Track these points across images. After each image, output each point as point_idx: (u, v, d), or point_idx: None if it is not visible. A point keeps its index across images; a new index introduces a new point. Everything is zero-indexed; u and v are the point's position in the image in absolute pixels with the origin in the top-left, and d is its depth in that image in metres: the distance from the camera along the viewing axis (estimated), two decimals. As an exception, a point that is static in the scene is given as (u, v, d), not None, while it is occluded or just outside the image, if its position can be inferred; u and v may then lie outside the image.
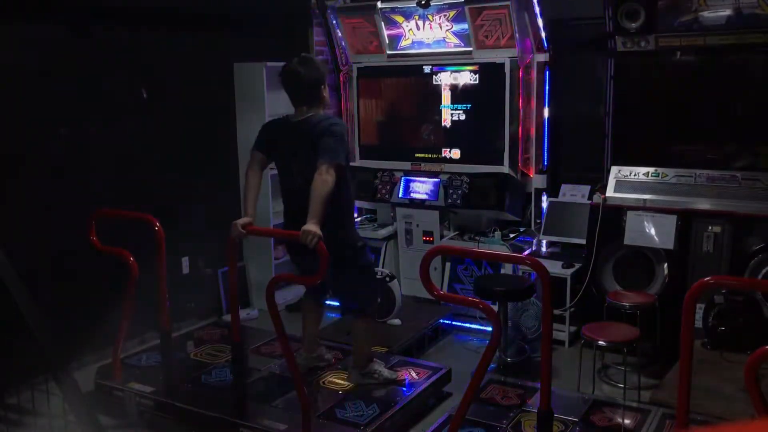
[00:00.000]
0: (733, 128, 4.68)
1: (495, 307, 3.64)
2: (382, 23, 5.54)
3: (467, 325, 5.17)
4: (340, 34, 5.80)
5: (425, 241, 5.51)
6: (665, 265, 4.59)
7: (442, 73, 5.44)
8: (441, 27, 5.33)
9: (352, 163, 5.80)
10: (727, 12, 4.27)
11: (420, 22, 5.41)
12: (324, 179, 3.32)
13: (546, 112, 5.22)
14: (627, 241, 4.59)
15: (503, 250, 4.99)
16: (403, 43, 5.58)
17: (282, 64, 3.68)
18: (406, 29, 5.50)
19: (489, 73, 5.23)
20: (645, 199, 4.59)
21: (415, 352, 4.73)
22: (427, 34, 5.43)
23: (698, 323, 4.23)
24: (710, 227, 4.41)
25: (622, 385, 3.91)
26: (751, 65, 4.62)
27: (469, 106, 5.37)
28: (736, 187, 4.41)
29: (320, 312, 4.19)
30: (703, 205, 4.45)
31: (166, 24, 4.85)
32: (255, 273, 5.61)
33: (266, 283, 3.33)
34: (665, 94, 4.85)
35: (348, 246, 3.70)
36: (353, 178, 5.66)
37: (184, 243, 4.85)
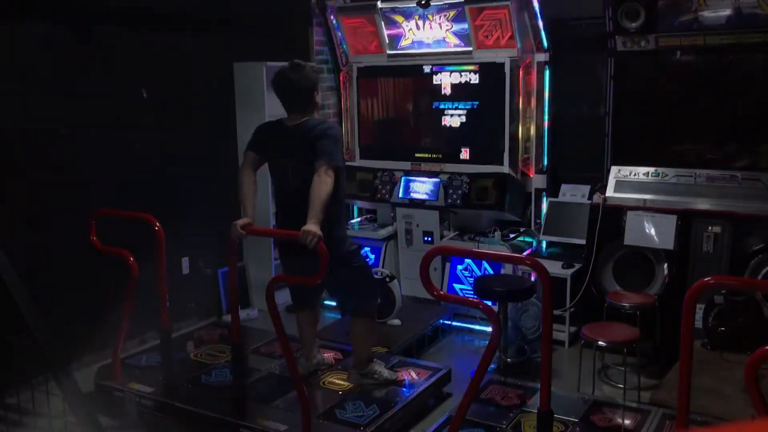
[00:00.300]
0: (733, 128, 4.68)
1: (495, 308, 3.64)
2: (382, 23, 5.54)
3: (467, 325, 5.17)
4: (340, 34, 5.80)
5: (425, 241, 5.51)
6: (665, 265, 4.59)
7: (442, 73, 5.44)
8: (441, 27, 5.33)
9: (352, 163, 5.83)
10: (727, 12, 4.27)
11: (420, 22, 5.41)
12: (323, 180, 3.34)
13: (546, 112, 5.21)
14: (627, 241, 4.59)
15: (503, 250, 4.99)
16: (403, 42, 5.58)
17: (282, 64, 3.69)
18: (406, 29, 5.50)
19: (489, 73, 5.23)
20: (645, 199, 4.59)
21: (415, 352, 4.73)
22: (427, 34, 5.43)
23: (698, 323, 4.24)
24: (710, 227, 4.41)
25: (622, 386, 3.91)
26: (751, 65, 4.62)
27: (469, 106, 5.37)
28: (736, 187, 4.41)
29: (315, 316, 4.15)
30: (703, 205, 4.45)
31: (166, 24, 4.84)
32: (255, 273, 5.61)
33: (266, 283, 3.33)
34: (665, 94, 4.85)
35: (344, 246, 3.71)
36: (354, 178, 5.71)
37: (184, 243, 4.85)
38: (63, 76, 4.25)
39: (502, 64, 5.13)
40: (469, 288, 5.22)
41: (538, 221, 5.26)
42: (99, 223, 3.91)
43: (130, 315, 3.97)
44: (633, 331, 3.87)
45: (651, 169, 4.70)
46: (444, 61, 5.43)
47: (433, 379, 4.03)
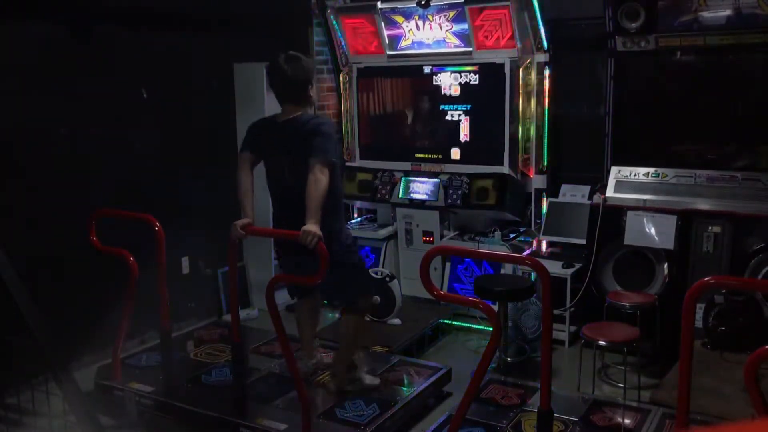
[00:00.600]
0: (733, 128, 4.68)
1: (495, 307, 3.64)
2: (382, 23, 5.54)
3: (467, 325, 5.17)
4: (340, 34, 5.80)
5: (425, 241, 5.51)
6: (665, 265, 4.59)
7: (442, 73, 5.44)
8: (441, 27, 5.33)
9: (352, 163, 5.83)
10: (727, 12, 4.27)
11: (420, 22, 5.40)
12: (318, 179, 3.32)
13: (546, 112, 5.21)
14: (627, 241, 4.59)
15: (503, 250, 4.99)
16: (403, 43, 5.58)
17: (275, 59, 3.66)
18: (406, 29, 5.50)
19: (489, 73, 5.23)
20: (645, 199, 4.59)
21: (415, 352, 4.73)
22: (427, 35, 5.43)
23: (698, 323, 4.24)
24: (710, 227, 4.41)
25: (622, 385, 3.91)
26: (751, 65, 4.62)
27: (469, 106, 5.37)
28: (736, 187, 4.41)
29: (316, 316, 4.11)
30: (703, 205, 4.45)
31: (166, 24, 4.84)
32: (255, 273, 5.61)
33: (266, 283, 3.33)
34: (665, 94, 4.85)
35: (341, 241, 3.67)
36: (354, 178, 5.71)
37: (184, 243, 4.85)
38: (63, 76, 4.25)
39: (502, 65, 5.13)
40: (469, 288, 5.22)
41: (538, 221, 5.25)
42: (99, 223, 3.91)
43: (130, 315, 3.97)
44: (633, 331, 3.87)
45: (651, 170, 4.70)
46: (444, 61, 5.43)
47: (433, 378, 4.03)
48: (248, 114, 5.34)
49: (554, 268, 4.70)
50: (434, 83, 5.48)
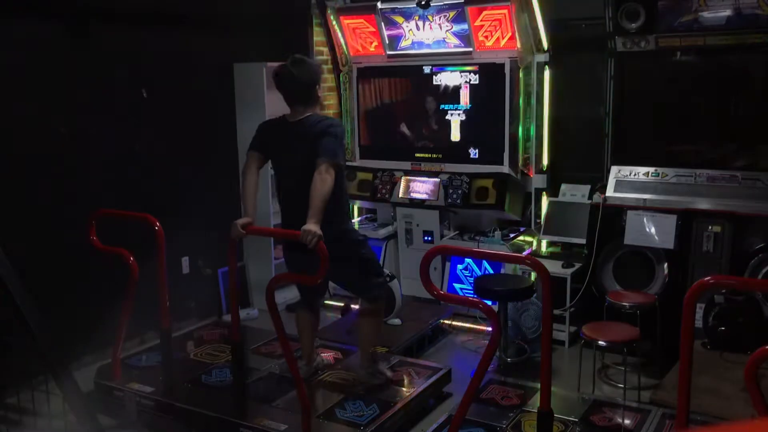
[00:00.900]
0: (733, 128, 4.68)
1: (495, 307, 3.64)
2: (382, 23, 5.54)
3: (467, 325, 5.17)
4: (340, 34, 5.80)
5: (425, 241, 5.51)
6: (665, 265, 4.59)
7: (442, 74, 5.44)
8: (441, 27, 5.33)
9: (352, 163, 5.83)
10: (727, 12, 4.27)
11: (420, 23, 5.40)
12: (324, 178, 3.34)
13: (546, 112, 5.21)
14: (627, 241, 4.59)
15: (503, 250, 4.99)
16: (403, 43, 5.58)
17: (282, 64, 3.69)
18: (406, 29, 5.50)
19: (489, 73, 5.23)
20: (645, 199, 4.59)
21: (415, 352, 4.73)
22: (427, 35, 5.43)
23: (698, 323, 4.24)
24: (710, 227, 4.41)
25: (622, 385, 3.91)
26: (751, 65, 4.62)
27: (469, 106, 5.37)
28: (736, 187, 4.41)
29: (316, 321, 4.11)
30: (703, 205, 4.45)
31: (166, 24, 4.84)
32: (255, 273, 5.61)
33: (266, 283, 3.33)
34: (665, 94, 4.85)
35: (355, 237, 3.76)
36: (354, 178, 5.71)
37: (184, 243, 4.85)
38: (63, 76, 4.25)
39: (502, 65, 5.13)
40: (469, 288, 5.22)
41: (538, 221, 5.26)
42: (99, 223, 3.91)
43: (130, 315, 3.96)
44: (633, 331, 3.87)
45: (651, 169, 4.70)
46: (444, 61, 5.43)
47: (433, 379, 4.02)
48: (248, 114, 5.35)
49: (554, 268, 4.70)
50: (434, 83, 5.48)
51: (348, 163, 5.77)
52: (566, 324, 4.78)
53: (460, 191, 5.31)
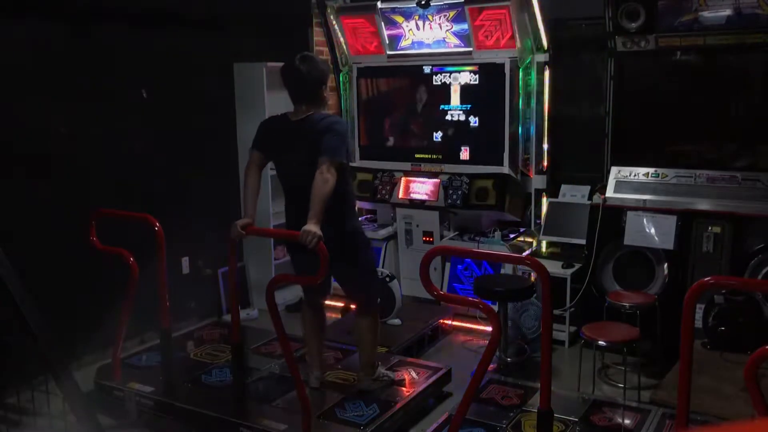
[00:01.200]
0: (733, 128, 4.68)
1: (495, 307, 3.64)
2: (382, 23, 5.54)
3: (467, 325, 5.17)
4: (340, 34, 5.80)
5: (425, 242, 5.51)
6: (665, 265, 4.59)
7: (442, 73, 5.44)
8: (441, 27, 5.33)
9: (352, 164, 5.81)
10: (727, 12, 4.27)
11: (420, 22, 5.40)
12: (325, 178, 3.30)
13: (546, 112, 5.21)
14: (627, 241, 4.59)
15: (503, 250, 4.99)
16: (403, 43, 5.58)
17: (282, 64, 3.67)
18: (406, 29, 5.50)
19: (489, 73, 5.23)
20: (645, 200, 4.59)
21: (415, 352, 4.73)
22: (427, 35, 5.43)
23: (698, 323, 4.24)
24: (710, 227, 4.41)
25: (622, 385, 3.91)
26: (751, 65, 4.62)
27: (469, 106, 5.37)
28: (736, 187, 4.41)
29: (323, 323, 4.04)
30: (703, 205, 4.45)
31: (166, 24, 4.84)
32: (255, 273, 5.61)
33: (266, 283, 3.33)
34: (665, 94, 4.85)
35: (362, 239, 3.72)
36: (354, 178, 5.71)
37: (184, 243, 4.85)
38: (63, 76, 4.26)
39: (502, 65, 5.13)
40: (469, 288, 5.22)
41: (538, 221, 5.26)
42: (99, 223, 3.91)
43: (130, 315, 3.96)
44: (633, 331, 3.87)
45: (651, 170, 4.70)
46: (444, 61, 5.43)
47: (433, 378, 4.02)
48: (248, 114, 5.35)
49: (554, 268, 4.71)
50: (434, 83, 5.48)
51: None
52: (566, 324, 4.78)
53: (459, 192, 5.31)
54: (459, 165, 5.42)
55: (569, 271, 4.76)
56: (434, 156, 5.56)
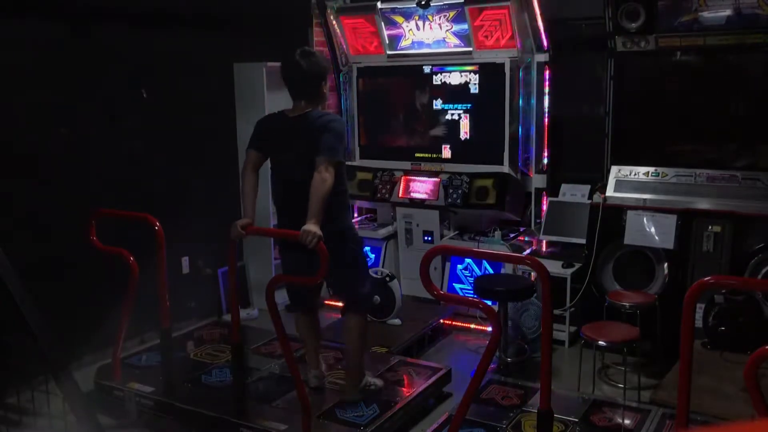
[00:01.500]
0: (733, 128, 4.68)
1: (495, 307, 3.64)
2: (382, 23, 5.54)
3: (467, 325, 5.17)
4: (340, 34, 5.80)
5: (425, 241, 5.51)
6: (665, 265, 4.59)
7: (442, 73, 5.44)
8: (441, 27, 5.33)
9: (352, 163, 5.83)
10: (727, 12, 4.27)
11: (420, 23, 5.40)
12: (323, 177, 3.29)
13: (546, 112, 5.21)
14: (627, 240, 4.59)
15: (503, 250, 4.99)
16: (403, 43, 5.58)
17: (290, 54, 3.62)
18: (406, 29, 5.50)
19: (489, 73, 5.23)
20: (645, 199, 4.59)
21: (416, 352, 4.73)
22: (427, 35, 5.43)
23: (698, 323, 4.24)
24: (710, 227, 4.41)
25: (622, 385, 3.91)
26: (751, 65, 4.62)
27: (469, 106, 5.37)
28: (736, 187, 4.41)
29: (318, 330, 4.00)
30: (703, 204, 4.45)
31: (166, 24, 4.84)
32: (255, 273, 5.61)
33: (266, 283, 3.33)
34: (665, 94, 4.85)
35: (354, 239, 3.69)
36: (354, 178, 5.71)
37: (184, 243, 4.85)
38: (63, 76, 4.25)
39: (502, 65, 5.13)
40: (469, 288, 5.22)
41: (538, 221, 5.26)
42: (99, 223, 3.91)
43: (130, 315, 3.96)
44: (633, 331, 3.87)
45: (651, 169, 4.70)
46: (444, 61, 5.43)
47: (433, 379, 4.02)
48: (248, 114, 5.35)
49: (554, 268, 4.70)
50: (434, 83, 5.48)
51: (348, 163, 5.75)
52: (566, 324, 4.78)
53: (460, 191, 5.31)
54: (459, 164, 5.42)
55: (569, 271, 4.76)
56: (434, 155, 5.56)
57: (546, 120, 5.23)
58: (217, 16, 5.17)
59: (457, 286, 5.42)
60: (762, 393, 2.34)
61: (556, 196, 5.16)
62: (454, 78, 5.38)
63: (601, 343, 3.79)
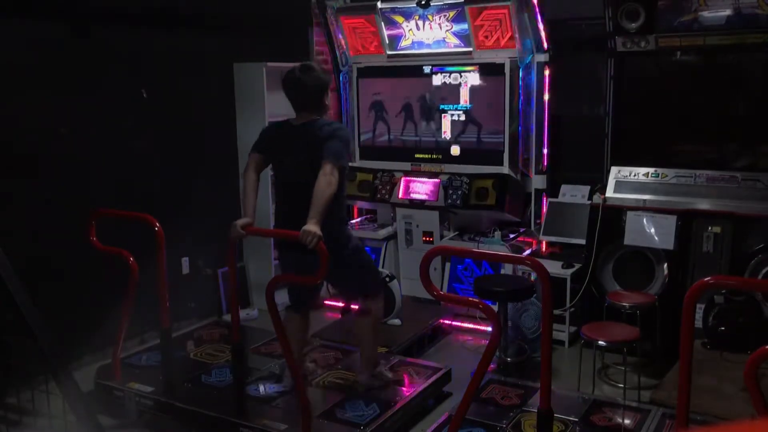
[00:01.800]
0: (733, 128, 4.68)
1: (495, 307, 3.64)
2: (382, 23, 5.54)
3: (467, 325, 5.17)
4: (340, 34, 5.80)
5: (425, 242, 5.51)
6: (665, 265, 4.59)
7: (442, 74, 5.44)
8: (441, 27, 5.34)
9: (352, 163, 5.83)
10: (727, 12, 4.27)
11: (420, 22, 5.41)
12: (329, 179, 3.33)
13: (546, 112, 5.21)
14: (627, 241, 4.59)
15: (503, 251, 4.99)
16: (403, 43, 5.58)
17: (282, 64, 3.68)
18: (406, 29, 5.50)
19: (489, 73, 5.23)
20: (645, 200, 4.59)
21: (415, 352, 4.73)
22: (427, 34, 5.43)
23: (698, 323, 4.24)
24: (710, 227, 4.41)
25: (622, 385, 3.91)
26: (751, 65, 4.62)
27: (469, 106, 5.37)
28: (736, 187, 4.41)
29: (306, 326, 4.00)
30: (703, 205, 4.45)
31: (166, 24, 4.85)
32: (255, 273, 5.61)
33: (266, 283, 3.33)
34: (665, 94, 4.85)
35: (351, 244, 3.72)
36: (354, 178, 5.71)
37: (184, 243, 4.85)
38: (63, 76, 4.26)
39: (502, 65, 5.13)
40: (469, 288, 5.22)
41: (538, 221, 5.26)
42: (99, 223, 3.91)
43: (130, 315, 3.97)
44: (633, 331, 3.87)
45: (651, 170, 4.70)
46: (444, 61, 5.43)
47: (433, 379, 4.02)
48: (248, 114, 5.36)
49: (554, 268, 4.71)
50: (434, 83, 5.48)
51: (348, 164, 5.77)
52: (566, 324, 4.78)
53: (459, 192, 5.31)
54: (459, 165, 5.42)
55: (569, 271, 4.77)
56: (434, 156, 5.56)
57: (546, 120, 5.23)
58: (217, 16, 5.17)
59: (457, 286, 5.42)
60: (762, 393, 2.34)
61: (556, 196, 5.16)
62: (454, 78, 5.39)
63: (601, 343, 3.79)
